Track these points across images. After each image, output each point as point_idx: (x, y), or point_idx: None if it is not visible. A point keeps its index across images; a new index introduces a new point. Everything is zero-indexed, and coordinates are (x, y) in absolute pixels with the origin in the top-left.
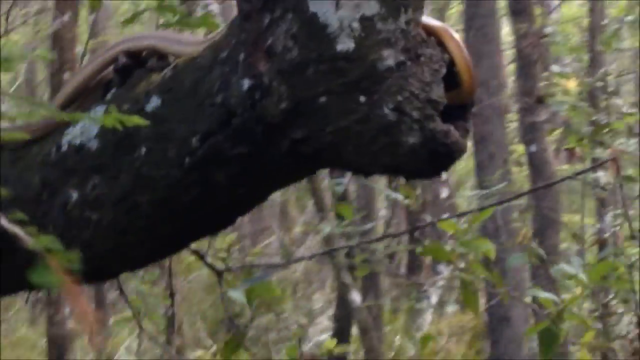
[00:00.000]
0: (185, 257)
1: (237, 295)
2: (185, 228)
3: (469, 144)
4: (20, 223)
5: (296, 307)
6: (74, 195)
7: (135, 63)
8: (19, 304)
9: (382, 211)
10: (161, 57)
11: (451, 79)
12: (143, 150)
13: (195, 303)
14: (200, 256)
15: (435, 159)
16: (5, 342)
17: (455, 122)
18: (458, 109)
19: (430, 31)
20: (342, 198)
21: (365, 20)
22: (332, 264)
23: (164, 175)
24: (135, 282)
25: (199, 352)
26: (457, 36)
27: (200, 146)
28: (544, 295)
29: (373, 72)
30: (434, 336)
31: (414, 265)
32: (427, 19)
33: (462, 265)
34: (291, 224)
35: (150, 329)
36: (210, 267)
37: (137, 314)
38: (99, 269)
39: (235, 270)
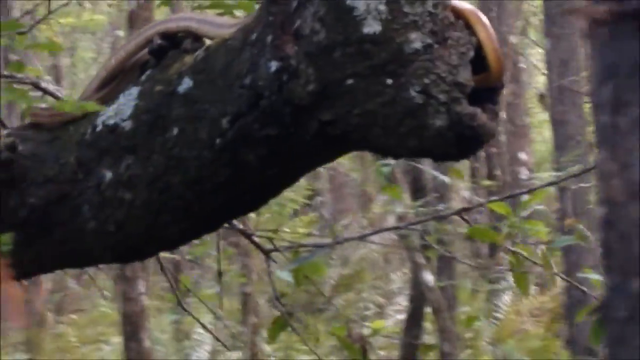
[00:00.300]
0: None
1: (285, 274)
2: (218, 208)
3: (549, 125)
4: None
5: (374, 286)
6: (108, 175)
7: (171, 44)
8: (99, 281)
9: (464, 192)
10: (196, 38)
11: (480, 62)
12: (175, 131)
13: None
14: (247, 236)
15: (461, 142)
16: (86, 318)
17: (484, 105)
18: (487, 92)
19: (458, 14)
20: (416, 179)
21: (392, 3)
22: (404, 244)
23: (195, 157)
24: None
25: None
26: (486, 19)
27: (230, 127)
28: (593, 276)
29: (400, 55)
30: (514, 318)
31: (495, 246)
32: (456, 2)
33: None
34: (370, 203)
35: (228, 307)
36: (258, 246)
37: (178, 294)
38: (133, 249)
39: (282, 250)
